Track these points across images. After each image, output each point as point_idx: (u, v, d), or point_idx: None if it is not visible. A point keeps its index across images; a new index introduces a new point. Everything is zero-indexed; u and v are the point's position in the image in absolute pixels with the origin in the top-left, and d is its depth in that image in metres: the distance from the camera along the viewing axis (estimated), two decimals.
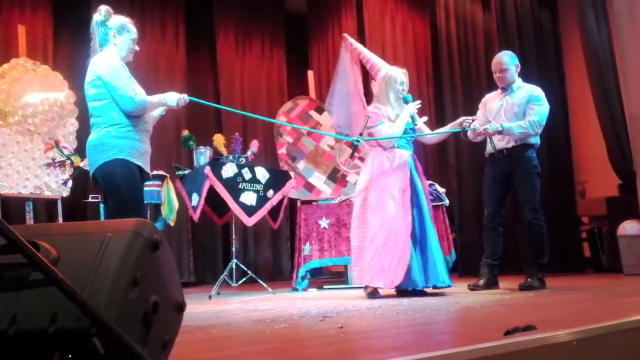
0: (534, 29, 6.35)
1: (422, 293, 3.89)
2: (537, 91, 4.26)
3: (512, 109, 4.22)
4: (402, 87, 4.14)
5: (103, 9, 3.21)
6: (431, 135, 4.32)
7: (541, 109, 4.18)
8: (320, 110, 6.17)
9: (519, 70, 4.32)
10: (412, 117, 4.10)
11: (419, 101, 4.17)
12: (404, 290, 3.89)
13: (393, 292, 3.99)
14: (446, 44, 6.48)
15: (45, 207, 5.81)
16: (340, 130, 4.40)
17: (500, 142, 4.22)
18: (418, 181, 4.06)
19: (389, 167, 4.00)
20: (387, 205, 3.89)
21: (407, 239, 3.82)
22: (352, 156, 4.21)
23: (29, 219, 5.20)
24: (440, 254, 4.00)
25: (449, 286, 3.96)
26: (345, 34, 4.74)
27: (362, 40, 7.27)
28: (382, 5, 7.24)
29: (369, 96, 4.49)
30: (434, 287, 3.92)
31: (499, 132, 4.13)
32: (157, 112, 3.38)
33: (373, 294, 3.89)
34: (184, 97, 3.31)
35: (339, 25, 7.56)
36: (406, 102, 4.12)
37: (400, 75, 4.17)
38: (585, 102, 5.94)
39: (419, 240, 3.94)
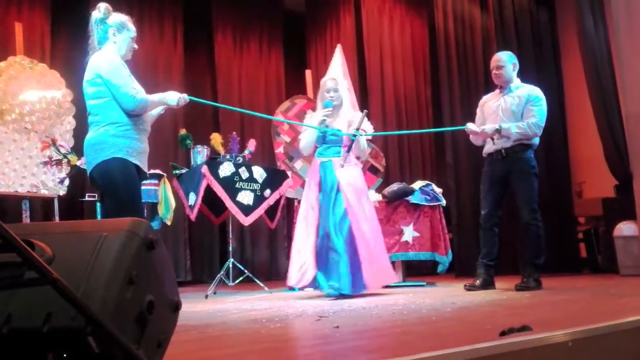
0: (531, 29, 6.35)
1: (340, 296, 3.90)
2: (537, 91, 4.26)
3: (510, 109, 4.22)
4: (329, 94, 4.24)
5: (102, 6, 3.19)
6: (354, 148, 4.21)
7: (540, 110, 4.18)
8: None
9: (516, 69, 4.33)
10: (322, 123, 4.14)
11: (328, 109, 4.17)
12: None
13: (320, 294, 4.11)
14: (444, 44, 6.49)
15: (42, 206, 5.80)
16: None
17: (498, 142, 4.22)
18: (333, 190, 4.05)
19: (309, 177, 4.30)
20: (305, 211, 4.16)
21: (313, 243, 4.04)
22: (348, 151, 4.23)
23: (26, 217, 5.19)
24: (347, 262, 3.90)
25: (345, 293, 3.86)
26: (339, 45, 5.00)
27: (360, 39, 7.30)
28: (380, 5, 7.25)
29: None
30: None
31: (497, 132, 4.14)
32: (155, 111, 3.38)
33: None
34: (185, 97, 3.31)
35: (337, 24, 7.56)
36: (324, 107, 4.20)
37: (326, 82, 4.30)
38: (582, 102, 5.95)
39: (327, 245, 3.99)
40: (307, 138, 4.28)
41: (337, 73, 4.57)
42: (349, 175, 4.13)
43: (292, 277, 4.09)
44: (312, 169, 4.30)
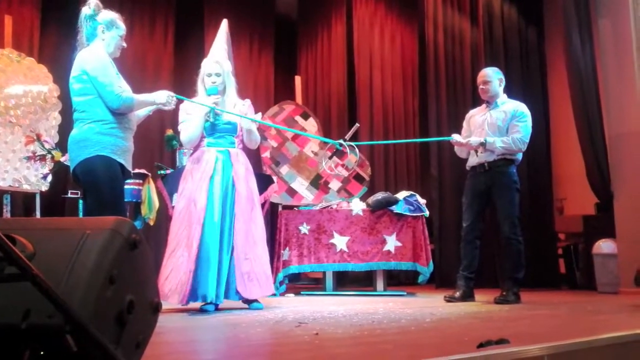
0: (520, 47, 6.44)
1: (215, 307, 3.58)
2: (523, 107, 4.32)
3: (495, 123, 4.27)
4: (211, 79, 3.85)
5: (93, 2, 3.18)
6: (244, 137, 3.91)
7: (525, 126, 4.23)
8: (305, 116, 6.18)
9: (502, 85, 4.38)
10: (212, 110, 3.77)
11: (216, 95, 3.81)
12: (216, 305, 3.58)
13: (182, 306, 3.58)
14: (433, 57, 6.54)
15: (23, 201, 5.73)
16: None
17: (482, 155, 4.26)
18: (230, 184, 3.72)
19: (196, 170, 3.74)
20: (190, 212, 3.63)
21: (196, 250, 3.52)
22: (331, 158, 4.20)
23: (6, 212, 5.12)
24: (235, 266, 3.61)
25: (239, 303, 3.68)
26: (225, 20, 4.52)
27: (350, 47, 7.34)
28: (371, 15, 7.30)
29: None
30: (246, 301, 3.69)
31: (482, 145, 4.18)
32: (143, 112, 3.37)
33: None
34: (173, 96, 3.31)
35: (328, 32, 7.60)
36: (208, 95, 3.83)
37: (208, 65, 3.91)
38: (566, 120, 6.03)
39: (223, 250, 3.60)
40: (193, 129, 3.77)
41: (221, 55, 4.12)
42: (245, 173, 3.81)
43: (171, 294, 3.48)
44: (204, 160, 3.75)
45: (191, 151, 5.16)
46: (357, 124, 4.17)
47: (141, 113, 3.36)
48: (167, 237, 3.81)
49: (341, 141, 4.07)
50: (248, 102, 4.04)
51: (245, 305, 3.73)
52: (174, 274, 3.55)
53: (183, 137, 3.86)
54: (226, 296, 3.60)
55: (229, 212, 3.68)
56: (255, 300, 3.72)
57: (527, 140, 4.24)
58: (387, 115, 7.26)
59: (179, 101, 3.63)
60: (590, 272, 5.39)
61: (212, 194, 3.67)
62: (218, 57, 4.05)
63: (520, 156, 4.32)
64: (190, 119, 3.81)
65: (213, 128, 3.82)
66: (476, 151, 4.27)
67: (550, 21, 6.65)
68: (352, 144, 4.17)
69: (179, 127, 3.89)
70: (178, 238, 3.64)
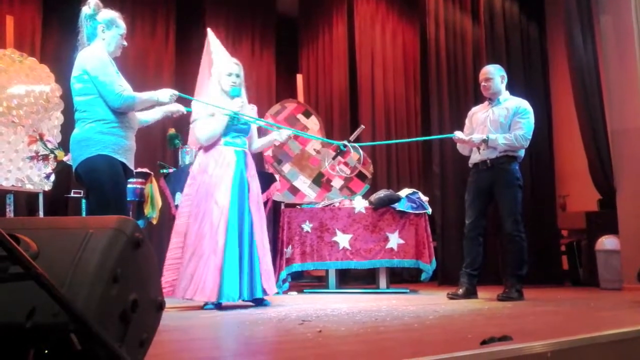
0: (521, 43, 6.43)
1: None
2: (525, 104, 4.32)
3: (498, 120, 4.27)
4: (232, 79, 3.82)
5: (92, 2, 3.18)
6: (257, 146, 4.06)
7: (527, 122, 4.24)
8: (307, 114, 6.19)
9: (505, 82, 4.38)
10: (235, 114, 3.77)
11: (243, 99, 3.84)
12: (219, 304, 3.59)
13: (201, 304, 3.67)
14: (435, 54, 6.54)
15: (26, 201, 5.74)
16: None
17: (484, 152, 4.26)
18: (246, 183, 3.76)
19: (213, 168, 3.71)
20: (212, 211, 3.62)
21: (222, 248, 3.54)
22: (334, 158, 4.20)
23: (9, 212, 5.13)
24: (259, 263, 3.70)
25: (263, 298, 3.73)
26: (209, 29, 4.54)
27: (352, 45, 7.34)
28: (373, 13, 7.30)
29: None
30: (255, 299, 3.72)
31: (484, 142, 4.18)
32: (150, 117, 3.38)
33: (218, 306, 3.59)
34: (175, 94, 3.33)
35: (329, 30, 7.59)
36: (233, 96, 3.82)
37: (230, 66, 3.87)
38: (569, 116, 6.02)
39: (244, 248, 3.64)
40: (217, 127, 3.75)
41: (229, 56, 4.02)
42: (255, 174, 3.87)
43: (200, 291, 3.50)
44: (223, 159, 3.74)
45: (194, 150, 5.18)
46: (362, 126, 4.17)
47: (148, 118, 3.37)
48: (170, 234, 3.86)
49: (345, 142, 4.07)
50: (255, 108, 4.07)
51: (249, 303, 3.75)
52: (201, 272, 3.53)
53: (204, 134, 3.78)
54: (252, 293, 3.65)
55: (246, 211, 3.73)
56: (263, 298, 3.77)
57: (530, 137, 4.24)
58: (389, 112, 7.26)
59: (186, 102, 3.64)
60: (593, 269, 5.38)
61: (233, 193, 3.69)
62: (233, 59, 4.03)
63: (522, 153, 4.31)
64: (202, 118, 3.78)
65: (231, 128, 3.82)
66: (478, 148, 4.26)
67: (551, 17, 6.64)
68: (356, 145, 4.16)
69: (194, 125, 3.85)
70: (200, 235, 3.60)
